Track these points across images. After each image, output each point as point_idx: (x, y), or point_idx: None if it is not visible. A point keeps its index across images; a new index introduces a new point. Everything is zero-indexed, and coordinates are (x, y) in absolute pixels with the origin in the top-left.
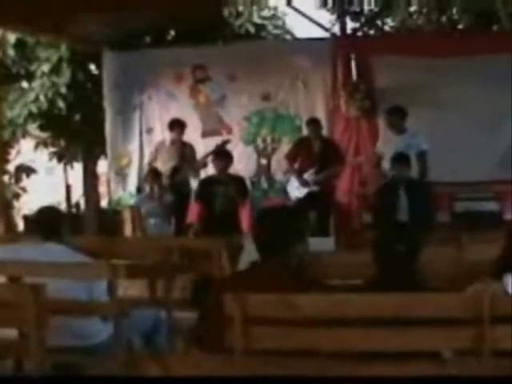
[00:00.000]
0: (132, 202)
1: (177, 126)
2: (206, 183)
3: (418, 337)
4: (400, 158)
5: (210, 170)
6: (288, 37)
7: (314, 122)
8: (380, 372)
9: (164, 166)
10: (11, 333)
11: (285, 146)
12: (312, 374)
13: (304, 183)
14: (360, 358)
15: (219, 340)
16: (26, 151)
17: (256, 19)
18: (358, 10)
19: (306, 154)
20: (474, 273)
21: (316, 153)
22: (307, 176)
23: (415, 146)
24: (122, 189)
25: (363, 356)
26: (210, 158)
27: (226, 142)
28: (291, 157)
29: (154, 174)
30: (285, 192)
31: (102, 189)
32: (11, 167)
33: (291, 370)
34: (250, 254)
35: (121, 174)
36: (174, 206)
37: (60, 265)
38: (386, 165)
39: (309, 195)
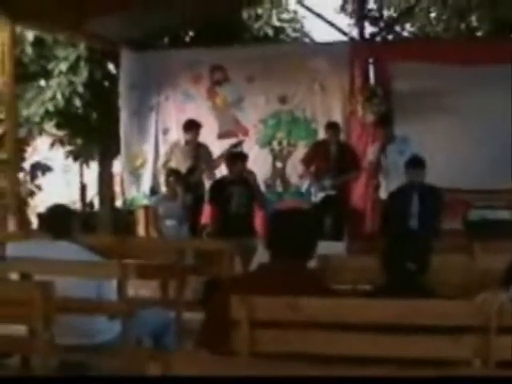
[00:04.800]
0: (145, 202)
1: (192, 126)
2: (221, 184)
3: (424, 344)
4: (416, 162)
5: (224, 170)
6: (306, 40)
7: (333, 126)
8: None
9: (178, 166)
10: (20, 330)
11: (300, 150)
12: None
13: (321, 187)
14: (367, 363)
15: (225, 342)
16: (42, 149)
17: (275, 22)
18: (377, 15)
19: (322, 157)
20: (485, 282)
21: (333, 157)
22: (324, 180)
23: (409, 150)
24: (135, 189)
25: (370, 361)
26: (224, 160)
27: (239, 143)
28: (307, 160)
29: (175, 174)
30: (300, 195)
31: (118, 188)
32: (27, 165)
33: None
34: (263, 256)
35: (135, 174)
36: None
37: (70, 263)
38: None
39: (325, 199)
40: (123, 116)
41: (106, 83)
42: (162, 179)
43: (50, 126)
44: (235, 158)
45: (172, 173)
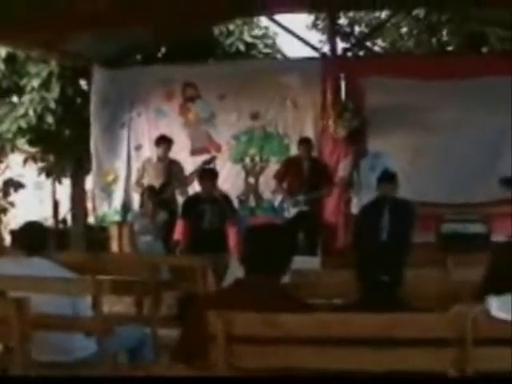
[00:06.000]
0: (117, 218)
1: (163, 142)
2: (193, 201)
3: (400, 357)
4: (387, 177)
5: (197, 187)
6: (278, 56)
7: (305, 142)
8: None
9: (151, 183)
10: None
11: (273, 165)
12: None
13: (294, 203)
14: (344, 376)
15: (202, 357)
16: (14, 166)
17: (247, 38)
18: (348, 31)
19: (295, 173)
20: (459, 294)
21: (305, 173)
22: (297, 196)
23: (380, 166)
24: (107, 205)
25: (347, 375)
26: (196, 177)
27: (212, 159)
28: (280, 176)
29: (150, 191)
30: (272, 211)
31: (90, 205)
32: None
33: None
34: (235, 272)
35: (106, 190)
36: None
37: (45, 280)
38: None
39: (298, 214)
40: (94, 132)
41: (78, 100)
42: (134, 196)
43: (22, 142)
44: (206, 174)
45: (146, 190)
